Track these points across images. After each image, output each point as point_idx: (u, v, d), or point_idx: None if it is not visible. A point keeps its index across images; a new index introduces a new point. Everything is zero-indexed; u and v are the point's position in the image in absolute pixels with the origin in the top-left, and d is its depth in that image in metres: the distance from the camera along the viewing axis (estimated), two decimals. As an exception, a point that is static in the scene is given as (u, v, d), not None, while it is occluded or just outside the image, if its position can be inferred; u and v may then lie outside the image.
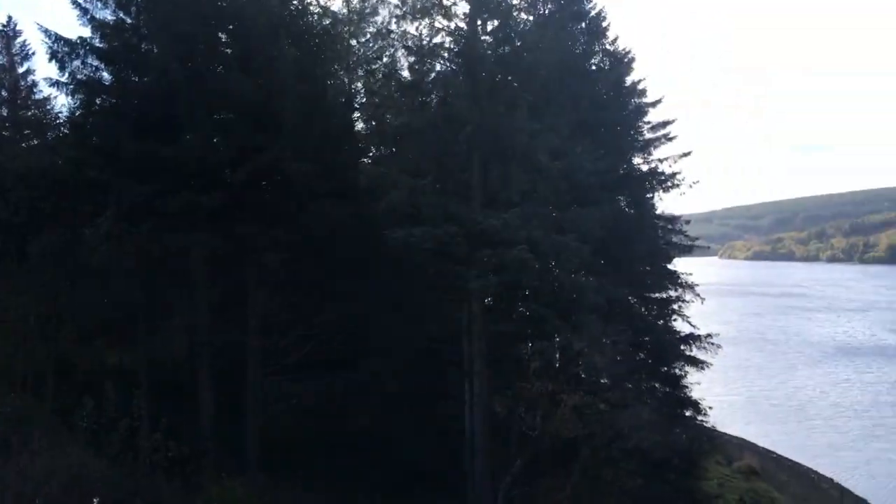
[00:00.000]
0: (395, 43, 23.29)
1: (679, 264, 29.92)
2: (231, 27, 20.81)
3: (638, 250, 26.03)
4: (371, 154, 26.73)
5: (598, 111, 25.08)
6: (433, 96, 21.76)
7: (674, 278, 28.95)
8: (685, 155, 28.79)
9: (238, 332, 20.77)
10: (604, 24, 27.65)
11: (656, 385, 27.63)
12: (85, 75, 19.60)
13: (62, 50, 19.24)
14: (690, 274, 29.15)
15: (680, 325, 28.70)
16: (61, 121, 27.35)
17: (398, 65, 24.10)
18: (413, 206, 20.37)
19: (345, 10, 27.56)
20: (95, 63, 19.72)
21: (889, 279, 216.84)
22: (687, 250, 30.42)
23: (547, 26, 23.70)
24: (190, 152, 18.59)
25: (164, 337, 21.44)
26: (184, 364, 21.70)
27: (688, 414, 27.80)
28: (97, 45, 19.69)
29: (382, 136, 23.40)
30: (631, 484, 19.06)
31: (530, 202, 19.86)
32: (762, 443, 38.85)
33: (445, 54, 22.03)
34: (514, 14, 22.49)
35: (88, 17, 19.55)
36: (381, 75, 23.85)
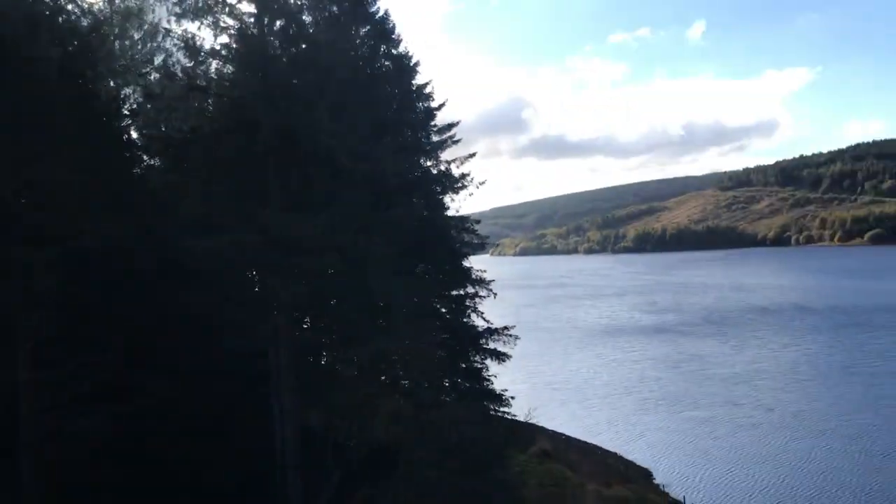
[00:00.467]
0: (177, 43, 21.54)
1: (473, 261, 31.01)
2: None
3: (440, 250, 26.51)
4: (152, 162, 24.40)
5: (395, 112, 25.15)
6: (224, 99, 20.37)
7: (469, 275, 29.92)
8: (471, 156, 29.85)
9: (5, 366, 17.92)
10: (388, 26, 27.83)
11: (458, 380, 28.36)
12: None
13: None
14: (484, 271, 30.30)
15: (476, 321, 29.70)
16: None
17: (177, 66, 22.41)
18: (206, 214, 19.05)
19: (107, 9, 25.14)
20: None
21: (638, 266, 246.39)
22: (480, 248, 31.58)
23: (337, 26, 23.28)
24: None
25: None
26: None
27: (493, 407, 28.80)
28: None
29: (166, 142, 21.45)
30: (457, 483, 19.19)
31: (336, 206, 19.32)
32: (550, 426, 41.06)
33: (232, 55, 20.84)
34: (299, 15, 21.94)
35: None
36: (157, 78, 22.04)
